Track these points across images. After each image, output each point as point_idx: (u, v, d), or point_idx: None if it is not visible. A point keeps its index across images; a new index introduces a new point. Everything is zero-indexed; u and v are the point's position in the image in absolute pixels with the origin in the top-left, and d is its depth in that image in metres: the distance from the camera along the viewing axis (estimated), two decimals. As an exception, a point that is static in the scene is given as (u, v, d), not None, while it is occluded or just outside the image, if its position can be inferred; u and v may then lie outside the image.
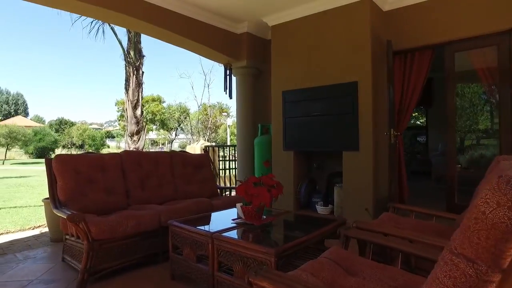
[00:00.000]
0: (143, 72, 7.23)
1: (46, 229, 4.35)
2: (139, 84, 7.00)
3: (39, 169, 20.62)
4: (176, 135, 44.80)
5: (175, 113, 35.40)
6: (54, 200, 3.05)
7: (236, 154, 6.37)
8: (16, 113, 59.23)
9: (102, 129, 72.55)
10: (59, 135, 40.45)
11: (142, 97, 7.15)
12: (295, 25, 5.08)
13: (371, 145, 4.31)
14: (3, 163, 26.14)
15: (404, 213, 3.07)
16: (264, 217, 2.71)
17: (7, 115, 53.43)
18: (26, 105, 65.93)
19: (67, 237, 3.09)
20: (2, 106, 57.59)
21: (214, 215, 3.12)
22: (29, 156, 33.61)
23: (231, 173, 7.33)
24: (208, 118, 31.73)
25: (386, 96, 4.63)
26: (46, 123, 62.40)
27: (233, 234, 2.43)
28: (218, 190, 4.56)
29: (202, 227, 2.55)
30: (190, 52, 5.74)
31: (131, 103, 6.82)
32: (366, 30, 4.37)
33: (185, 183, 4.17)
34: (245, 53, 5.79)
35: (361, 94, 4.38)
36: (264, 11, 5.17)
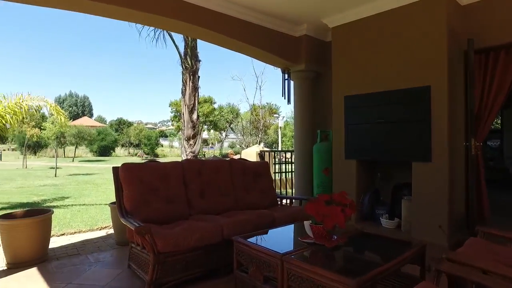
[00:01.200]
0: (199, 77, 7.34)
1: (112, 231, 4.55)
2: (195, 89, 7.13)
3: (102, 167, 22.25)
4: (226, 135, 45.85)
5: (226, 114, 36.14)
6: (121, 209, 3.12)
7: (291, 157, 6.21)
8: (83, 114, 64.83)
9: (156, 128, 76.62)
10: (118, 135, 43.40)
11: (198, 101, 7.26)
12: (358, 26, 4.77)
13: (446, 156, 3.88)
14: (73, 160, 28.68)
15: (487, 235, 2.66)
16: (335, 237, 2.50)
17: (76, 116, 58.60)
18: (91, 106, 71.92)
19: (132, 245, 3.15)
20: (72, 108, 63.35)
21: (279, 231, 2.98)
22: (93, 154, 36.49)
23: (286, 176, 7.18)
24: (259, 120, 31.96)
25: (463, 102, 4.17)
26: (107, 123, 67.57)
27: (304, 256, 2.26)
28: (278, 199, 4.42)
29: (269, 246, 2.41)
30: (243, 55, 5.68)
31: (187, 108, 6.95)
32: (442, 29, 3.94)
33: (244, 192, 4.09)
34: (303, 56, 5.59)
35: (435, 99, 3.96)
36: (324, 12, 4.93)
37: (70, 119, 41.74)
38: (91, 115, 69.17)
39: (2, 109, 6.79)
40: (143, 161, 3.65)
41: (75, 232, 4.73)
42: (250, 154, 7.04)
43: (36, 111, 7.51)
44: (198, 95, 7.30)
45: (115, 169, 3.31)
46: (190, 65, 7.14)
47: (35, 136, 19.55)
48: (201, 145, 7.19)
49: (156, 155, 38.51)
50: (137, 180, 3.28)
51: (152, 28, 7.22)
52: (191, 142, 6.96)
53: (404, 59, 4.25)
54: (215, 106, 40.88)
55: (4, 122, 6.71)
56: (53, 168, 16.45)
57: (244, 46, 5.16)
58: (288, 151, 6.54)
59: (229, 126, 41.10)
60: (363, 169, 4.86)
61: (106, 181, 13.28)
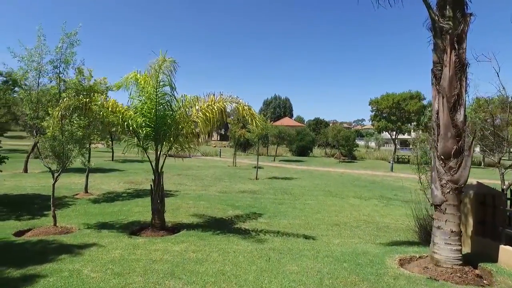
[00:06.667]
0: (465, 47, 3.93)
1: None
2: (461, 67, 3.82)
3: (300, 169, 21.51)
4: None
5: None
6: None
7: None
8: (284, 115, 70.24)
9: (351, 128, 74.27)
10: (316, 135, 43.44)
11: (467, 90, 3.91)
12: None
13: None
14: (274, 159, 29.96)
15: None
16: None
17: (278, 117, 63.94)
18: (292, 107, 77.24)
19: None
20: (275, 110, 69.81)
21: None
22: (292, 154, 37.63)
23: None
24: (484, 117, 23.87)
25: None
26: (305, 122, 70.60)
27: None
28: None
29: None
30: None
31: (445, 100, 3.73)
32: None
33: None
34: None
35: None
36: None
37: (273, 120, 45.04)
38: (291, 116, 74.15)
39: (195, 112, 5.75)
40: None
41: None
42: None
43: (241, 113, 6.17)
44: (466, 79, 3.93)
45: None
46: (451, 24, 3.91)
47: (242, 137, 20.73)
48: (470, 169, 3.83)
49: (354, 157, 35.94)
50: None
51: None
52: (452, 163, 3.75)
53: None
54: (425, 102, 34.18)
55: (197, 125, 5.61)
56: (256, 167, 16.47)
57: None
58: None
59: (443, 126, 33.41)
60: None
61: (304, 191, 11.65)
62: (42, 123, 5.56)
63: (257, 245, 5.05)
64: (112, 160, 21.89)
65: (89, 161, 9.11)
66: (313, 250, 4.96)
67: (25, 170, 14.21)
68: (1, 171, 7.95)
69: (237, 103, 5.66)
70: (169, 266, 3.79)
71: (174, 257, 4.16)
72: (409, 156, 37.36)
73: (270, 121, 28.65)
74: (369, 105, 37.01)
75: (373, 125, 39.33)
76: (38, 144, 5.83)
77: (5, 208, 7.46)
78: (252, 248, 4.86)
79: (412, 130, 36.30)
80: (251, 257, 4.35)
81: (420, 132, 34.66)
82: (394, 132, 35.63)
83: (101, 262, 3.87)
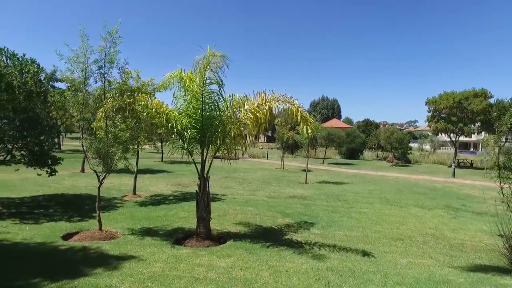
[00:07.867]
0: None
1: None
2: None
3: (351, 173, 20.28)
4: (507, 138, 34.00)
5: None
6: None
7: None
8: (332, 116, 68.18)
9: (402, 129, 69.88)
10: (366, 137, 41.32)
11: None
12: None
13: None
14: (323, 162, 28.86)
15: None
16: None
17: (326, 119, 62.15)
18: (340, 108, 74.78)
19: None
20: (323, 111, 68.05)
21: None
22: (341, 156, 36.09)
23: None
24: None
25: None
26: (354, 124, 67.90)
27: None
28: None
29: None
30: None
31: None
32: None
33: None
34: None
35: None
36: None
37: (322, 122, 43.75)
38: (339, 117, 71.79)
39: (243, 113, 5.27)
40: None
41: None
42: None
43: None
44: None
45: None
46: None
47: (290, 139, 20.06)
48: None
49: (408, 161, 33.52)
50: None
51: None
52: None
53: None
54: (492, 100, 30.75)
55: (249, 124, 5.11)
56: (305, 170, 15.75)
57: None
58: None
59: (513, 127, 29.76)
60: None
61: (358, 198, 10.70)
62: (91, 125, 5.47)
63: (313, 262, 4.42)
64: (162, 161, 22.44)
65: (137, 163, 9.09)
66: (378, 272, 4.23)
67: (82, 170, 14.89)
68: (56, 171, 8.16)
69: (291, 103, 5.07)
70: (213, 288, 3.32)
71: (219, 275, 3.70)
72: (472, 160, 33.85)
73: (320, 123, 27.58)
74: (425, 105, 34.18)
75: (429, 126, 36.29)
76: (83, 146, 5.74)
77: (60, 208, 7.62)
78: (307, 267, 4.24)
79: (476, 132, 32.84)
80: (307, 280, 3.74)
81: (484, 134, 31.15)
82: (454, 134, 32.51)
83: (141, 277, 3.51)
